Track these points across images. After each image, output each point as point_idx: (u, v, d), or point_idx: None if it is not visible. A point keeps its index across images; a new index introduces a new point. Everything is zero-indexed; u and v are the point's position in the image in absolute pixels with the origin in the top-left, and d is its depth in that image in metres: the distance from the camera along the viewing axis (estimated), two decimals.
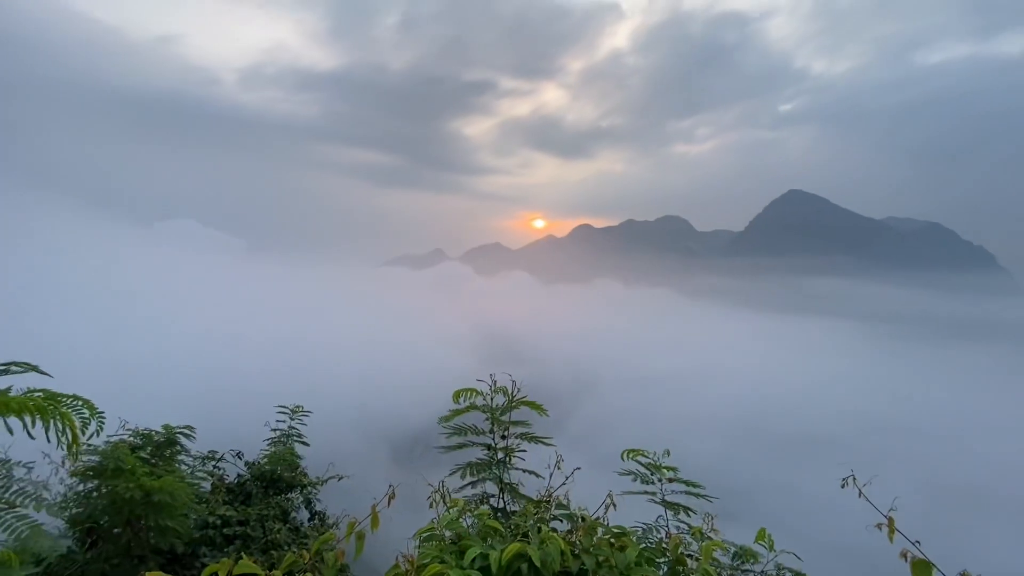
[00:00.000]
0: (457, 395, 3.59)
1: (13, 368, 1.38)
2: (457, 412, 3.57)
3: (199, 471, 6.24)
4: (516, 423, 3.70)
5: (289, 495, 6.98)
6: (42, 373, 1.43)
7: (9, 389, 1.35)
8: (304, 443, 7.59)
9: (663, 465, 3.54)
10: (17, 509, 1.37)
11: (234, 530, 5.85)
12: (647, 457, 3.70)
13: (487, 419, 3.67)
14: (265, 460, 7.04)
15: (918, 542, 2.48)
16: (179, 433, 5.74)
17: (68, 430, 1.46)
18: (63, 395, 1.48)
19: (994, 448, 65.36)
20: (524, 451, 3.69)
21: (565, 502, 3.05)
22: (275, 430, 7.63)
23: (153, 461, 5.32)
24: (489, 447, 3.66)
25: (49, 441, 1.47)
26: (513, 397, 3.70)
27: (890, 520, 2.53)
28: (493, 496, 3.56)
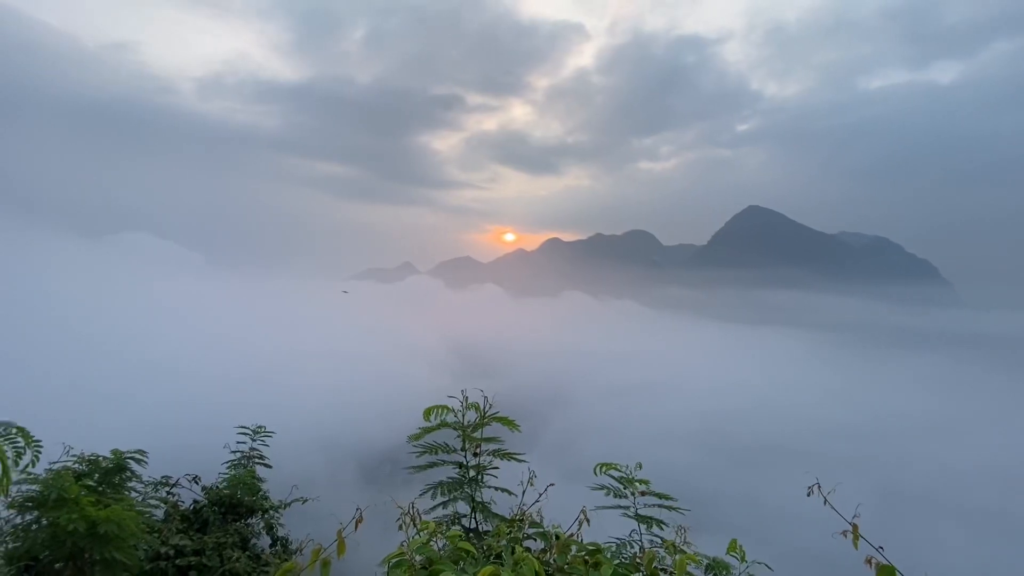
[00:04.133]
0: (428, 412, 3.50)
1: None
2: (428, 430, 3.48)
3: (151, 498, 5.91)
4: (488, 440, 3.63)
5: (249, 521, 6.68)
6: None
7: None
8: (266, 465, 7.30)
9: (635, 478, 3.54)
10: None
11: (188, 560, 5.54)
12: (620, 471, 3.70)
13: (458, 436, 3.59)
14: (224, 484, 6.73)
15: (881, 548, 2.55)
16: (129, 458, 5.40)
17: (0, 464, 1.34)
18: None
19: (944, 452, 68.75)
20: (497, 468, 3.62)
21: (539, 519, 3.00)
22: (235, 452, 7.32)
23: (100, 489, 4.99)
24: (461, 465, 3.57)
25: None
26: (485, 413, 3.64)
27: (854, 527, 2.59)
28: (465, 516, 3.47)
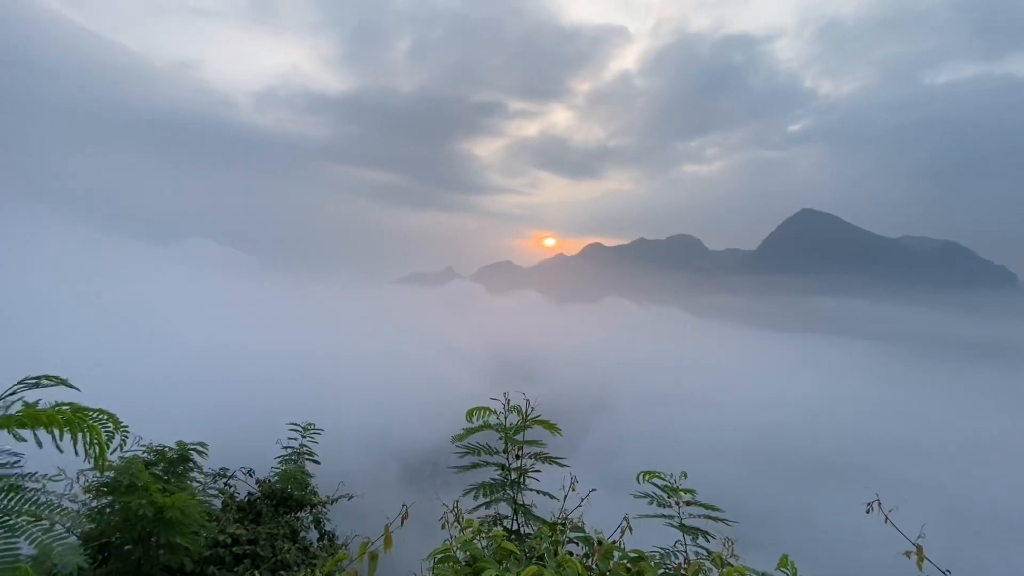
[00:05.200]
0: (470, 414, 3.56)
1: (44, 382, 1.40)
2: (470, 431, 3.54)
3: (210, 488, 6.23)
4: (530, 443, 3.65)
5: (299, 514, 6.93)
6: (71, 387, 1.45)
7: (38, 402, 1.37)
8: (315, 461, 7.55)
9: (680, 488, 3.46)
10: (43, 522, 1.37)
11: (244, 549, 5.80)
12: (663, 480, 3.62)
13: (501, 438, 3.63)
14: (275, 478, 7.01)
15: (948, 572, 2.39)
16: (192, 450, 5.75)
17: (96, 444, 1.48)
18: (89, 409, 1.50)
19: (1017, 473, 63.17)
20: (538, 471, 3.63)
21: (580, 524, 2.99)
22: (286, 448, 7.62)
23: (165, 478, 5.32)
24: (503, 467, 3.60)
25: (77, 454, 1.49)
26: (527, 416, 3.66)
27: (919, 548, 2.44)
28: (507, 517, 3.49)
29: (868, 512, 2.71)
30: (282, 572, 5.51)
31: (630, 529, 2.93)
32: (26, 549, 1.32)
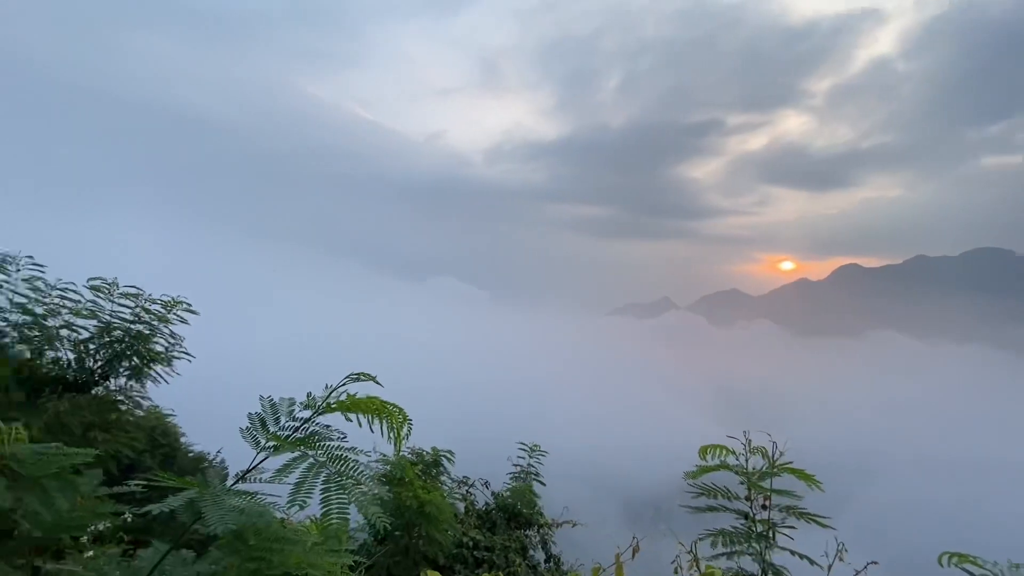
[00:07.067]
0: (704, 451, 3.22)
1: (362, 377, 1.84)
2: (705, 469, 3.18)
3: (455, 493, 7.08)
4: (780, 492, 3.10)
5: (528, 532, 7.31)
6: (378, 384, 1.87)
7: (355, 394, 1.80)
8: (541, 482, 7.91)
9: None
10: (360, 486, 1.79)
11: (482, 554, 6.37)
12: (981, 567, 2.66)
13: (742, 483, 3.18)
14: (508, 493, 7.55)
15: None
16: (443, 456, 6.68)
17: (395, 429, 1.86)
18: (388, 403, 1.90)
19: None
20: (792, 528, 3.05)
21: None
22: (516, 465, 8.19)
23: (423, 478, 6.27)
24: (746, 516, 3.14)
25: (383, 436, 1.90)
26: (774, 462, 3.14)
27: None
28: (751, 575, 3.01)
29: None
30: None
31: None
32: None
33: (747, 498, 3.13)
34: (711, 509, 3.12)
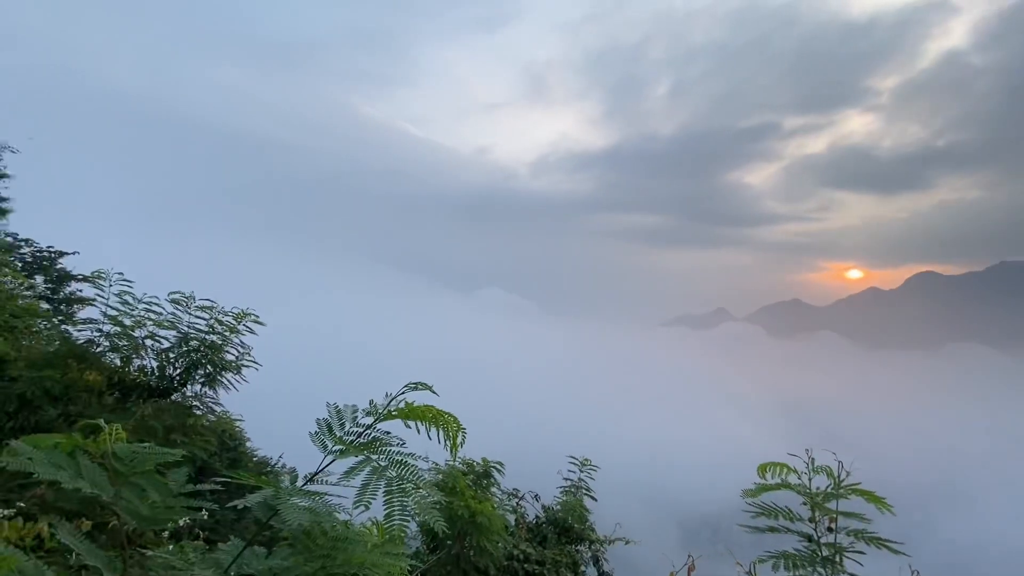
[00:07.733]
0: (763, 468, 3.08)
1: (420, 386, 1.94)
2: (764, 487, 3.04)
3: (506, 505, 7.09)
4: (847, 515, 2.92)
5: (579, 547, 7.19)
6: (434, 393, 1.97)
7: (414, 401, 1.90)
8: (592, 497, 7.79)
9: None
10: (420, 491, 1.87)
11: (532, 568, 6.33)
12: None
13: (804, 503, 3.01)
14: (559, 507, 7.48)
15: None
16: (493, 467, 6.72)
17: (451, 437, 1.94)
18: (444, 412, 1.98)
19: None
20: (862, 553, 2.87)
21: None
22: (566, 479, 8.10)
23: (473, 488, 6.33)
24: (809, 538, 2.97)
25: (440, 443, 1.99)
26: (841, 482, 2.96)
27: None
28: None
29: None
30: None
31: None
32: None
33: (811, 519, 2.97)
34: (772, 530, 2.98)
